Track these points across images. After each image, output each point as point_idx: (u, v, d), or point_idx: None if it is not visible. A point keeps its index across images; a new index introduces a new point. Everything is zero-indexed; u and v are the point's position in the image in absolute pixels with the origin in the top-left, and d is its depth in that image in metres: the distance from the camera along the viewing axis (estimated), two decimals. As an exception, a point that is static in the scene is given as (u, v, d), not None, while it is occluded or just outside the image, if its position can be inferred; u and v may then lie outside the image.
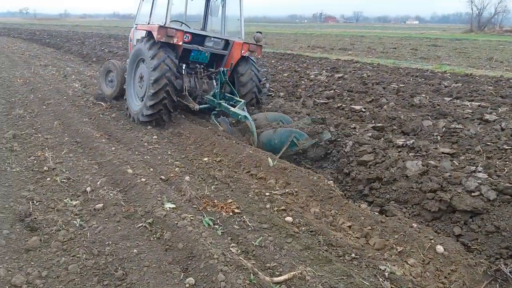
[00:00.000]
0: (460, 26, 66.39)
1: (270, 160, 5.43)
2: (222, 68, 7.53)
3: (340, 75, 13.43)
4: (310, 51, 25.26)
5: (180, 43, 7.09)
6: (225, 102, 7.25)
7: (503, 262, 3.47)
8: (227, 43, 7.90)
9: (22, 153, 5.51)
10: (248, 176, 5.27)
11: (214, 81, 7.80)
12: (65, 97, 9.19)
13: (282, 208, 4.36)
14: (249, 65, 7.91)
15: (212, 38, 7.78)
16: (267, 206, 4.40)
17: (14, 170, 4.89)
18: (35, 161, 5.23)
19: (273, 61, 18.27)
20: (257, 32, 8.10)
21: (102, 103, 8.71)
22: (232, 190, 4.77)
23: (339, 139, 6.22)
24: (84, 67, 15.64)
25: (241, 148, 5.96)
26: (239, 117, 6.67)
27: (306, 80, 12.55)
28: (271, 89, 10.86)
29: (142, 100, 7.26)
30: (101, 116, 7.84)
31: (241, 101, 7.08)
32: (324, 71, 14.55)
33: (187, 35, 7.39)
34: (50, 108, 8.10)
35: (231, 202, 4.43)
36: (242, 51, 7.69)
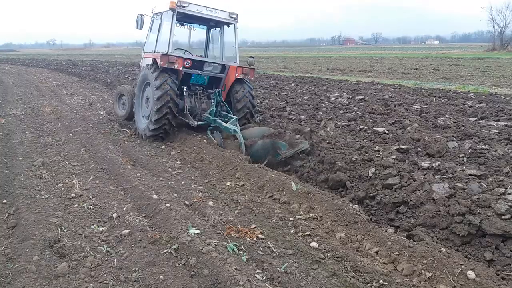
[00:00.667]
0: (482, 45, 65.40)
1: (293, 184, 5.42)
2: (218, 89, 8.53)
3: (361, 97, 13.39)
4: (329, 74, 25.38)
5: (181, 68, 8.11)
6: (219, 119, 8.16)
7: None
8: (223, 67, 8.87)
9: (51, 180, 5.67)
10: (271, 201, 5.26)
11: (212, 100, 8.58)
12: (90, 125, 9.48)
13: (307, 233, 4.32)
14: (244, 85, 8.87)
15: (210, 63, 8.79)
16: (292, 231, 4.37)
17: (43, 197, 5.03)
18: (63, 188, 5.37)
19: (292, 84, 18.41)
20: (250, 57, 9.13)
21: (127, 130, 8.95)
22: (255, 215, 4.77)
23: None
24: (108, 95, 16.14)
25: (263, 172, 5.98)
26: (230, 131, 7.60)
27: (326, 102, 12.57)
28: (291, 112, 10.90)
29: (148, 118, 8.12)
30: (126, 142, 8.03)
31: (233, 118, 7.99)
32: (344, 93, 14.55)
33: (188, 61, 8.38)
34: (77, 136, 8.36)
35: (255, 227, 4.42)
36: (237, 74, 8.69)
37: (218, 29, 9.66)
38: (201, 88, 8.90)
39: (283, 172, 6.36)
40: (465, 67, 28.66)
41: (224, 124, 7.80)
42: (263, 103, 12.59)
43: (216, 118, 8.16)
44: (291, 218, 4.67)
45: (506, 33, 57.86)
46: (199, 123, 8.30)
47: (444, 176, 5.38)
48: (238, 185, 5.78)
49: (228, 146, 7.54)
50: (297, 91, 15.81)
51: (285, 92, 15.48)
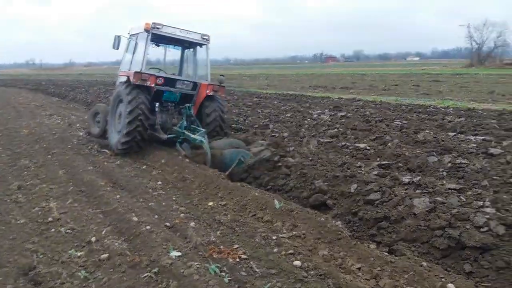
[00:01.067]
0: (461, 61, 67.31)
1: (276, 202, 5.40)
2: (188, 104, 9.10)
3: (343, 113, 13.56)
4: (312, 91, 25.64)
5: (153, 85, 8.57)
6: (188, 131, 8.58)
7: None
8: (195, 85, 9.40)
9: (27, 205, 5.52)
10: (254, 220, 5.23)
11: (182, 115, 9.14)
12: (69, 146, 9.34)
13: (290, 252, 4.29)
14: (214, 101, 9.45)
15: (183, 81, 9.33)
16: (275, 250, 4.33)
17: (18, 222, 4.88)
18: (39, 212, 5.23)
19: (275, 102, 18.53)
20: (220, 75, 9.71)
21: (107, 151, 8.84)
22: (238, 235, 4.72)
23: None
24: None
25: (246, 191, 5.95)
26: (197, 141, 8.01)
27: (309, 119, 12.66)
28: (275, 129, 10.95)
29: (120, 133, 8.45)
30: (105, 163, 7.92)
31: (201, 130, 8.35)
32: (326, 110, 14.71)
33: (160, 78, 8.83)
34: (55, 158, 8.21)
35: (238, 247, 4.37)
36: (207, 91, 9.26)
37: (192, 49, 10.18)
38: (173, 104, 9.49)
39: (266, 190, 6.34)
40: (444, 83, 29.37)
41: (192, 135, 8.23)
42: (246, 121, 12.63)
43: (185, 131, 8.62)
44: (274, 237, 4.64)
45: (483, 50, 59.97)
46: (168, 136, 8.78)
47: (424, 191, 5.44)
48: (220, 204, 5.73)
49: (196, 156, 7.90)
50: (280, 108, 15.93)
51: (268, 109, 15.57)
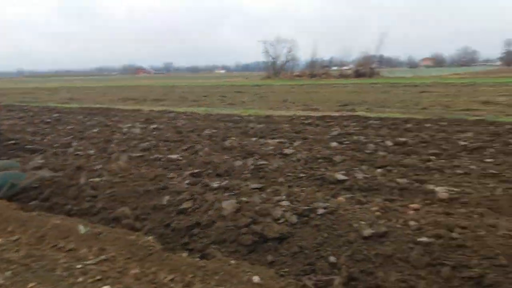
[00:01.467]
0: (260, 73, 75.28)
1: (81, 227, 4.91)
2: None
3: (154, 126, 13.46)
4: (122, 104, 24.63)
5: None
6: None
7: (307, 277, 3.87)
8: None
9: None
10: (54, 251, 4.61)
11: None
12: None
13: (97, 278, 3.92)
14: None
15: None
16: (79, 279, 3.90)
17: None
18: None
19: (80, 117, 17.05)
20: None
21: None
22: (34, 272, 4.07)
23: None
24: None
25: (45, 220, 5.22)
26: None
27: (118, 134, 12.11)
28: (79, 147, 10.04)
29: None
30: None
31: None
32: (137, 123, 14.36)
33: None
34: None
35: (34, 285, 3.77)
36: None
37: None
38: None
39: (70, 216, 5.72)
40: (246, 93, 32.22)
41: None
42: (45, 140, 11.24)
43: None
44: (79, 266, 4.17)
45: (277, 63, 68.53)
46: None
47: (232, 193, 5.78)
48: (11, 240, 4.85)
49: None
50: (86, 124, 14.74)
51: (71, 126, 14.21)
